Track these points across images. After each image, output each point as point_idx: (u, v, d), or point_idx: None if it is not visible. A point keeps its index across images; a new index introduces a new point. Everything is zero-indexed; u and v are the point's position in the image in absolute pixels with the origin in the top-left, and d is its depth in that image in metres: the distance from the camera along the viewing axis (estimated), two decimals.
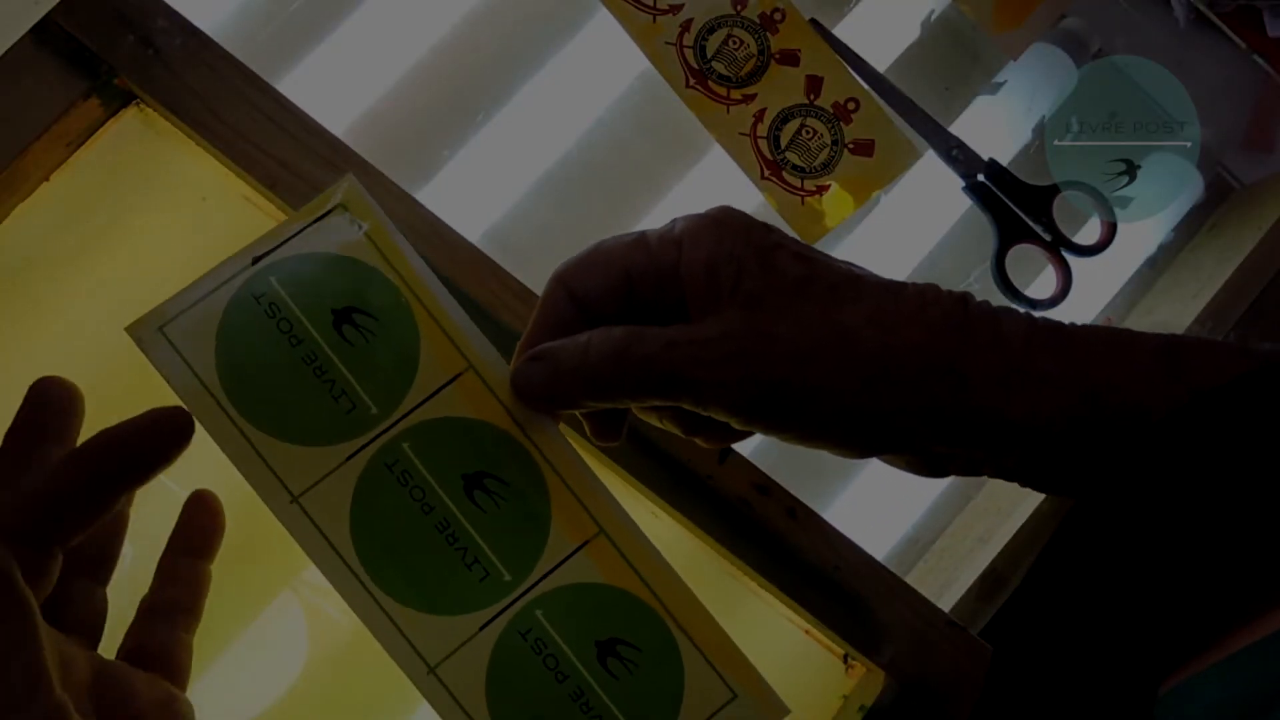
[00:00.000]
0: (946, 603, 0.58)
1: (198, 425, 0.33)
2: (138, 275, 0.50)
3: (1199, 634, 0.28)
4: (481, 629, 0.33)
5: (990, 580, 0.58)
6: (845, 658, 0.53)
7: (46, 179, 0.50)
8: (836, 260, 0.32)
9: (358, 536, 0.33)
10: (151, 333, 0.33)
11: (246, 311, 0.33)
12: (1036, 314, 0.32)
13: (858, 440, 0.32)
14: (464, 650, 0.32)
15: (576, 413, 0.36)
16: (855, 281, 0.32)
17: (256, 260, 0.34)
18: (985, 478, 0.33)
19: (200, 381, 0.33)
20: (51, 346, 0.50)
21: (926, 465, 0.33)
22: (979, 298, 0.32)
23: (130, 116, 0.50)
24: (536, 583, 0.33)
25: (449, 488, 0.33)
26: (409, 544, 0.33)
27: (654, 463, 0.50)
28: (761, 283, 0.31)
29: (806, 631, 0.54)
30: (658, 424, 0.37)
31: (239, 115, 0.48)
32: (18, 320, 0.49)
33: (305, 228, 0.34)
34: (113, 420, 0.32)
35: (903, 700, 0.50)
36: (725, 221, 0.32)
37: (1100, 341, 0.30)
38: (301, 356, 0.33)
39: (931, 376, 0.30)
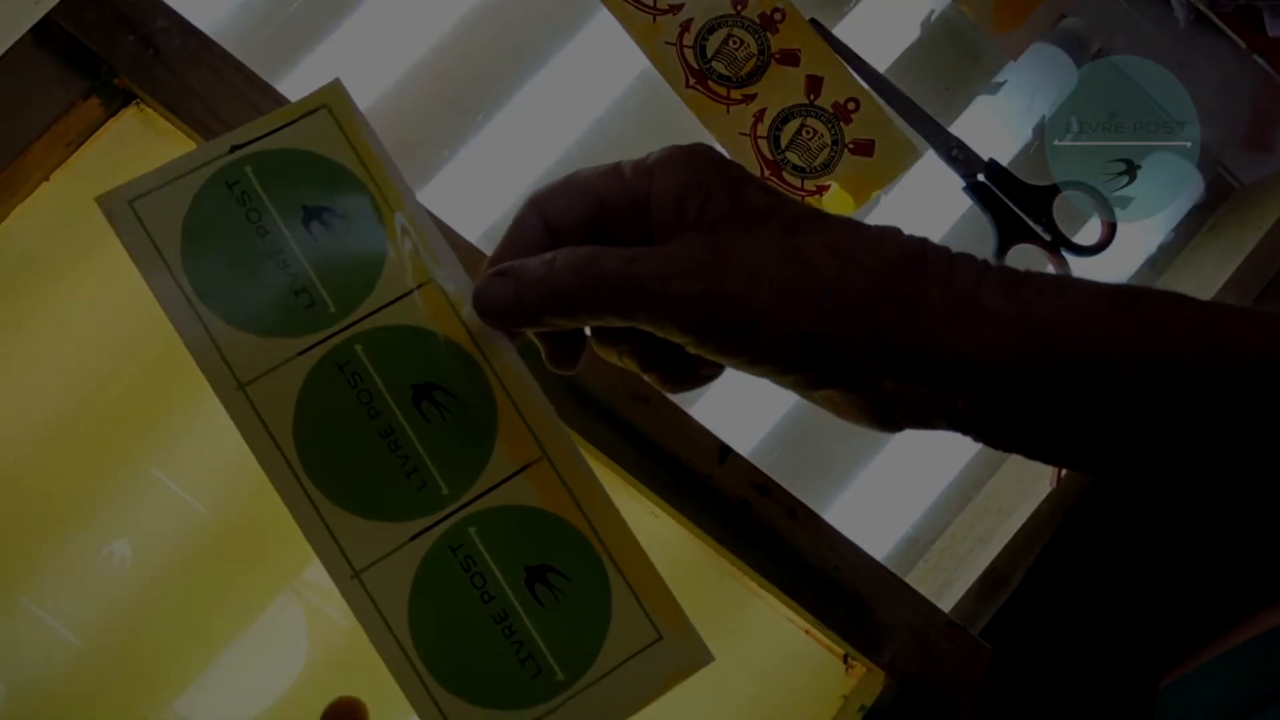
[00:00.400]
0: (946, 603, 0.58)
1: (155, 300, 0.33)
2: (137, 275, 0.50)
3: (1198, 631, 0.28)
4: (412, 539, 0.32)
5: (990, 580, 0.58)
6: (845, 658, 0.53)
7: (46, 179, 0.50)
8: (804, 202, 0.33)
9: (299, 431, 0.32)
10: (120, 205, 0.33)
11: (218, 196, 0.34)
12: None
13: (806, 365, 0.32)
14: (392, 558, 0.32)
15: (532, 336, 0.36)
16: (820, 216, 0.32)
17: (235, 149, 0.34)
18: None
19: (163, 259, 0.33)
20: (51, 346, 0.50)
21: (875, 409, 0.33)
22: None
23: (130, 116, 0.50)
24: (473, 500, 0.33)
25: (397, 395, 0.33)
26: (350, 445, 0.33)
27: (654, 463, 0.50)
28: (727, 209, 0.32)
29: (806, 631, 0.54)
30: (616, 361, 0.37)
31: (239, 115, 0.48)
32: (18, 320, 0.49)
33: (287, 125, 0.35)
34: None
35: (903, 700, 0.50)
36: (699, 154, 0.33)
37: (1053, 283, 0.31)
38: (266, 248, 0.33)
39: (881, 305, 0.30)
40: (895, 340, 0.30)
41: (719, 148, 0.62)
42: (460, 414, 0.33)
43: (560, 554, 0.33)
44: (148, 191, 0.33)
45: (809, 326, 0.30)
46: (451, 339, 0.34)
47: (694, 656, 0.33)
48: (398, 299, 0.34)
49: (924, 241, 0.32)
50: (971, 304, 0.30)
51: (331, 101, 0.35)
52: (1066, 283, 0.31)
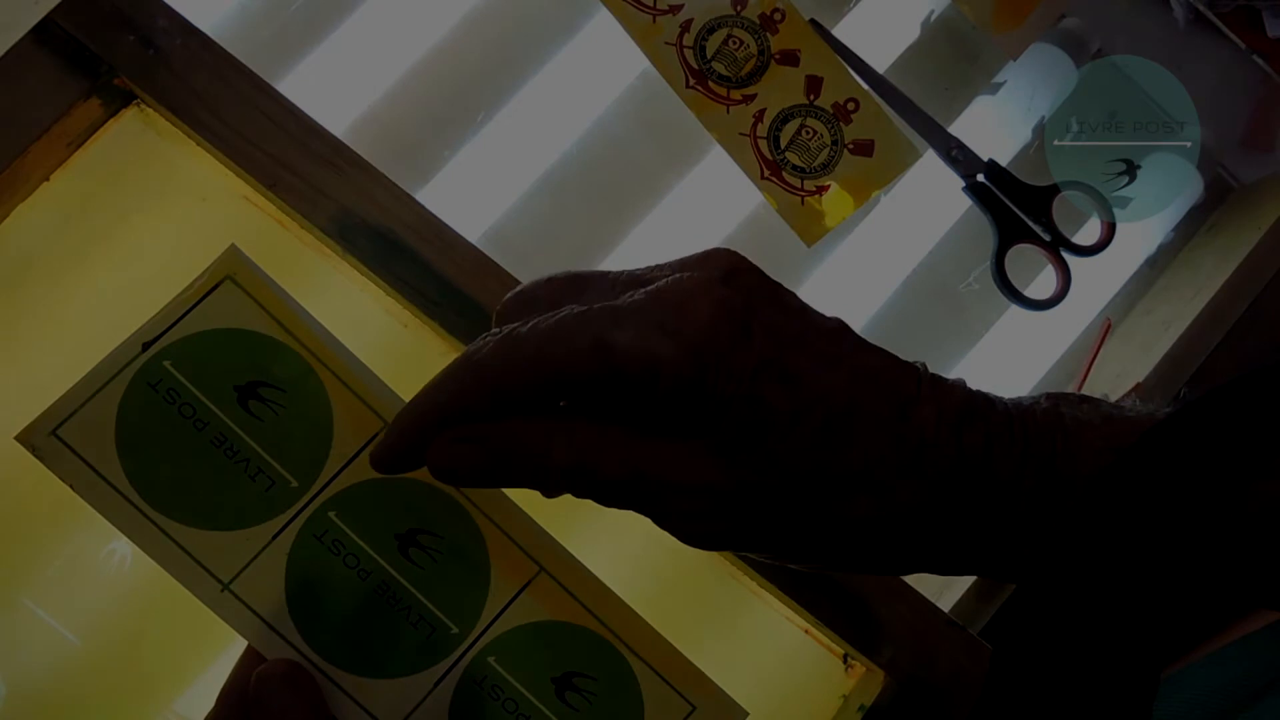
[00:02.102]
0: (946, 603, 0.58)
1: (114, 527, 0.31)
2: (138, 275, 0.50)
3: (1196, 628, 0.28)
4: (436, 685, 0.33)
5: (990, 580, 0.58)
6: (845, 658, 0.53)
7: (46, 179, 0.50)
8: (826, 346, 0.30)
9: (296, 613, 0.32)
10: (45, 438, 0.32)
11: (143, 401, 0.32)
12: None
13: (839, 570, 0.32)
14: (422, 708, 0.32)
15: None
16: (849, 413, 0.29)
17: (147, 346, 0.33)
18: None
19: (106, 481, 0.32)
20: (51, 347, 0.50)
21: None
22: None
23: (130, 116, 0.50)
24: (485, 629, 0.33)
25: (383, 550, 0.33)
26: (350, 613, 0.32)
27: None
28: (748, 415, 0.28)
29: (806, 631, 0.54)
30: None
31: (239, 115, 0.48)
32: (18, 320, 0.49)
33: (194, 306, 0.33)
34: None
35: (903, 700, 0.50)
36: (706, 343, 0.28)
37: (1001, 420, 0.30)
38: (209, 439, 0.32)
39: (926, 540, 0.30)
40: (934, 563, 0.31)
41: (718, 147, 0.62)
42: (450, 551, 0.33)
43: (580, 657, 0.34)
44: (68, 416, 0.32)
45: (841, 563, 0.31)
46: (419, 479, 0.33)
47: (730, 715, 0.34)
48: (356, 455, 0.33)
49: (959, 433, 0.29)
50: (1017, 522, 0.29)
51: (233, 270, 0.33)
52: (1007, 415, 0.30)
